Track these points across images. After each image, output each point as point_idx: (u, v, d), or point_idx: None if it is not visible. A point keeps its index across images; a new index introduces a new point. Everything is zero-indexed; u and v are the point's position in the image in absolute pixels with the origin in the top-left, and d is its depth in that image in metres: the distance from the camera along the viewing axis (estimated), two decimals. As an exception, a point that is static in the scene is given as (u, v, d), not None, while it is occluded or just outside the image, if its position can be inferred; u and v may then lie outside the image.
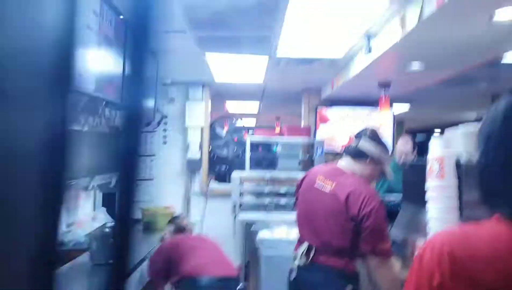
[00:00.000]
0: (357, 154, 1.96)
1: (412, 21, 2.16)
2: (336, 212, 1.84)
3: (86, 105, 2.30)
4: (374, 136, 1.97)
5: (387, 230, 1.86)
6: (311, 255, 1.88)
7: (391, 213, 2.71)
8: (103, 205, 3.75)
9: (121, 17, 2.36)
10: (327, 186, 1.91)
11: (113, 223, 2.61)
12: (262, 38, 2.93)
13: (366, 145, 1.94)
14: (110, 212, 3.69)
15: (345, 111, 4.82)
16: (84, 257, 2.27)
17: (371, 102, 4.50)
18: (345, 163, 2.00)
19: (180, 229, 2.82)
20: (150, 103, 3.35)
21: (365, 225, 1.78)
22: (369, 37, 2.82)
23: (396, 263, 1.98)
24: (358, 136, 2.00)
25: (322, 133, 4.76)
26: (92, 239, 2.20)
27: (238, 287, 2.45)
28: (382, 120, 3.89)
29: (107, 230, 2.30)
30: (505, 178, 0.67)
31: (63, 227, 2.87)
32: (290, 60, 3.49)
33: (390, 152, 2.04)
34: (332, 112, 4.84)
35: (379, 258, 1.80)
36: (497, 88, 4.09)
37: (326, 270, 1.85)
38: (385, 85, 3.80)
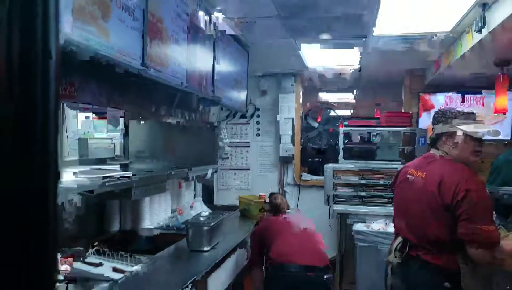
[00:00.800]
0: (433, 142, 1.90)
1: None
2: (430, 203, 1.71)
3: (180, 100, 2.43)
4: (435, 118, 1.88)
5: (489, 214, 1.60)
6: (406, 249, 1.78)
7: (507, 207, 2.35)
8: (202, 195, 4.00)
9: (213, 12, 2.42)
10: (419, 178, 1.82)
11: (207, 212, 2.75)
12: (356, 16, 2.74)
13: (438, 128, 1.85)
14: (208, 201, 3.92)
15: (454, 96, 4.30)
16: (184, 242, 2.41)
17: (485, 86, 3.93)
18: (434, 151, 1.90)
19: (275, 207, 2.84)
20: (242, 96, 3.42)
21: (460, 209, 1.59)
22: (484, 5, 2.42)
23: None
24: (432, 125, 1.93)
25: (426, 121, 4.32)
26: (188, 226, 2.32)
27: (326, 277, 2.38)
28: (499, 104, 3.34)
29: (201, 219, 2.41)
30: None
31: (169, 213, 3.12)
32: (389, 39, 3.19)
33: (461, 113, 1.83)
34: (437, 99, 4.36)
35: (480, 245, 1.55)
36: None
37: (422, 265, 1.72)
38: (503, 63, 3.26)
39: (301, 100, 4.73)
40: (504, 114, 3.44)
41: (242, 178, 4.77)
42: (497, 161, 3.14)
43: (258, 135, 4.76)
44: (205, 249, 2.31)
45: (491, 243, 1.56)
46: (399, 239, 1.84)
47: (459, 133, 1.74)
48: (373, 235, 3.23)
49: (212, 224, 2.34)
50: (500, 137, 2.96)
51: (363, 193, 3.85)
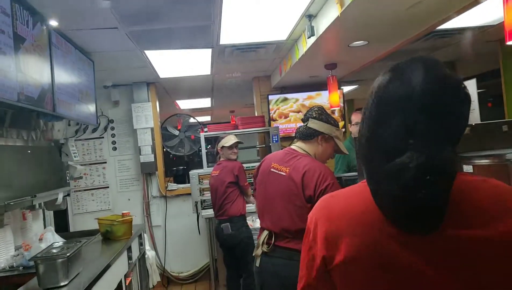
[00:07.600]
0: (306, 135, 1.97)
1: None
2: (294, 196, 1.83)
3: (13, 118, 2.09)
4: (320, 114, 1.98)
5: None
6: (273, 241, 1.88)
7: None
8: (55, 223, 3.52)
9: (41, 18, 2.15)
10: (282, 172, 1.90)
11: (61, 242, 2.43)
12: (201, 27, 2.81)
13: (313, 124, 1.95)
14: (63, 230, 3.47)
15: (297, 96, 4.82)
16: (35, 281, 2.07)
17: (321, 86, 4.52)
18: (297, 145, 2.00)
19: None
20: (91, 108, 3.13)
21: None
22: (310, 16, 2.79)
23: None
24: (306, 117, 2.01)
25: (276, 120, 4.73)
26: (38, 262, 2.00)
27: None
28: (332, 101, 3.89)
29: (53, 251, 2.10)
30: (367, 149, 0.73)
31: (12, 251, 2.63)
32: (234, 48, 3.39)
33: (339, 127, 2.03)
34: (284, 98, 4.81)
35: None
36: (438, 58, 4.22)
37: (288, 253, 1.83)
38: (331, 66, 3.80)
39: (158, 109, 4.61)
40: (338, 107, 4.04)
41: (101, 198, 4.38)
42: None
43: (114, 149, 4.45)
44: (62, 284, 2.03)
45: None
46: (265, 232, 1.93)
47: (333, 144, 1.97)
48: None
49: (68, 254, 2.07)
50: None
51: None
